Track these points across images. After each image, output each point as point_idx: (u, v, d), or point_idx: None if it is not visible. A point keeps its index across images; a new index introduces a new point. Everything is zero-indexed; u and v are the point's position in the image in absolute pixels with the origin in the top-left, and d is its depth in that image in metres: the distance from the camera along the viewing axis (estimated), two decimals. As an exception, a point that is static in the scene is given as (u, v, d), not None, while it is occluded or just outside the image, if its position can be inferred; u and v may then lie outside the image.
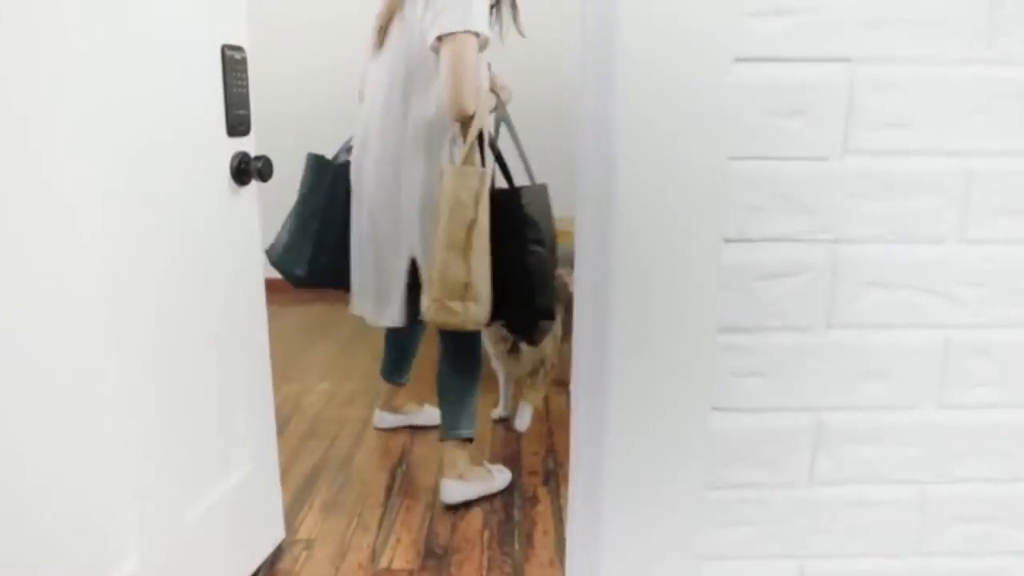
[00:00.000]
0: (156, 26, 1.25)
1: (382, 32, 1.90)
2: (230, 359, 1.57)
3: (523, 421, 2.33)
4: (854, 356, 0.82)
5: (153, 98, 1.25)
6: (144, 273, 1.25)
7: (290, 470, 2.29)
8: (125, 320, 1.20)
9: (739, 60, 0.74)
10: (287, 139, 4.05)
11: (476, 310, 1.72)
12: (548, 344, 2.23)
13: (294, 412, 2.73)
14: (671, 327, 0.79)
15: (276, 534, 1.85)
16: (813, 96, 0.76)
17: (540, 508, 2.10)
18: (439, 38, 1.73)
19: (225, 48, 1.44)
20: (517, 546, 1.90)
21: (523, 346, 2.22)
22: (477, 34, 1.74)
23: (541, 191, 1.90)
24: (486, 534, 1.96)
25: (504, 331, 2.17)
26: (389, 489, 2.19)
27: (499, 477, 2.17)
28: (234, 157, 1.50)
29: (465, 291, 1.70)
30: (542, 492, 2.19)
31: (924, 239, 0.79)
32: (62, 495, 1.08)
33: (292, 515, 2.03)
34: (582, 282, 0.86)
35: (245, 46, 1.51)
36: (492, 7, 1.91)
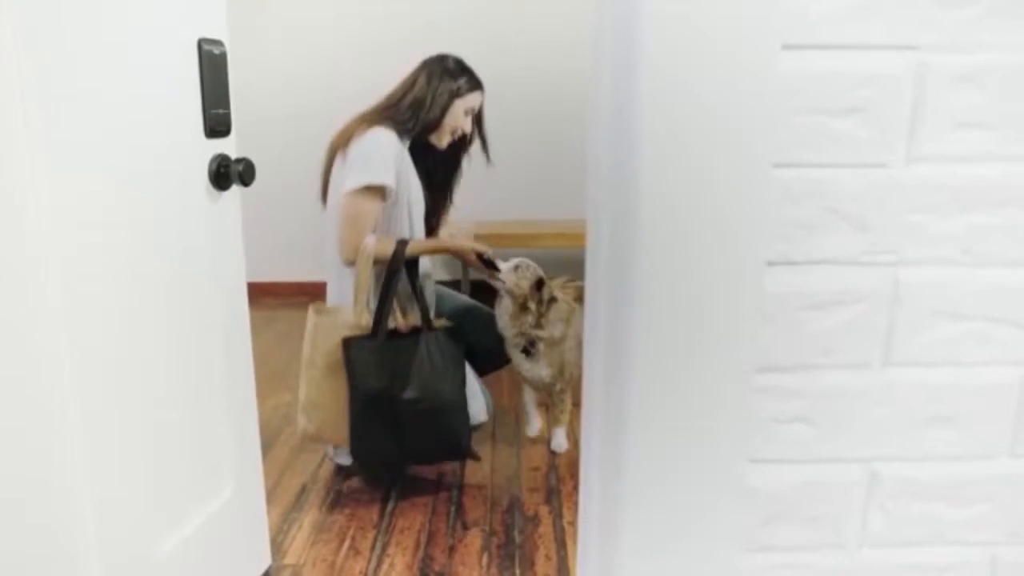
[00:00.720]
0: (128, 18, 1.14)
1: (323, 188, 2.15)
2: (210, 375, 1.45)
3: (558, 443, 2.40)
4: (916, 398, 0.70)
5: (123, 97, 1.14)
6: (109, 283, 1.13)
7: (278, 489, 2.17)
8: (87, 334, 1.09)
9: (786, 48, 0.61)
10: (273, 141, 4.01)
11: (304, 424, 2.03)
12: (570, 349, 2.27)
13: (285, 425, 2.61)
14: (701, 365, 0.66)
15: (262, 561, 1.73)
16: (873, 91, 0.63)
17: (542, 530, 1.98)
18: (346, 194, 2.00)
19: (202, 42, 1.32)
20: (518, 571, 1.78)
21: (538, 347, 2.24)
22: (382, 187, 1.99)
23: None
24: (485, 558, 1.84)
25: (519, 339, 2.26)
26: (383, 509, 2.07)
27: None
28: (213, 160, 1.37)
29: (302, 408, 2.02)
30: (543, 512, 2.07)
31: (1002, 262, 0.67)
32: (11, 531, 0.96)
33: (280, 538, 1.92)
34: (594, 309, 0.74)
35: (225, 40, 1.39)
36: (464, 148, 2.22)
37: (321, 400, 2.00)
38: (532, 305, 2.17)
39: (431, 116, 2.09)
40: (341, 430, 2.00)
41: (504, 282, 2.19)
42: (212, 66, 1.34)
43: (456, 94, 2.11)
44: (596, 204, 0.70)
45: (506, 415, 2.68)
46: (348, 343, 1.94)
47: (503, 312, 2.24)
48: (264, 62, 4.06)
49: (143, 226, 1.21)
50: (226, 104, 1.39)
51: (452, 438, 2.04)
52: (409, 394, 1.94)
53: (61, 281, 1.03)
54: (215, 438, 1.49)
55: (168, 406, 1.32)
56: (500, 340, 2.26)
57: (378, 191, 2.00)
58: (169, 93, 1.26)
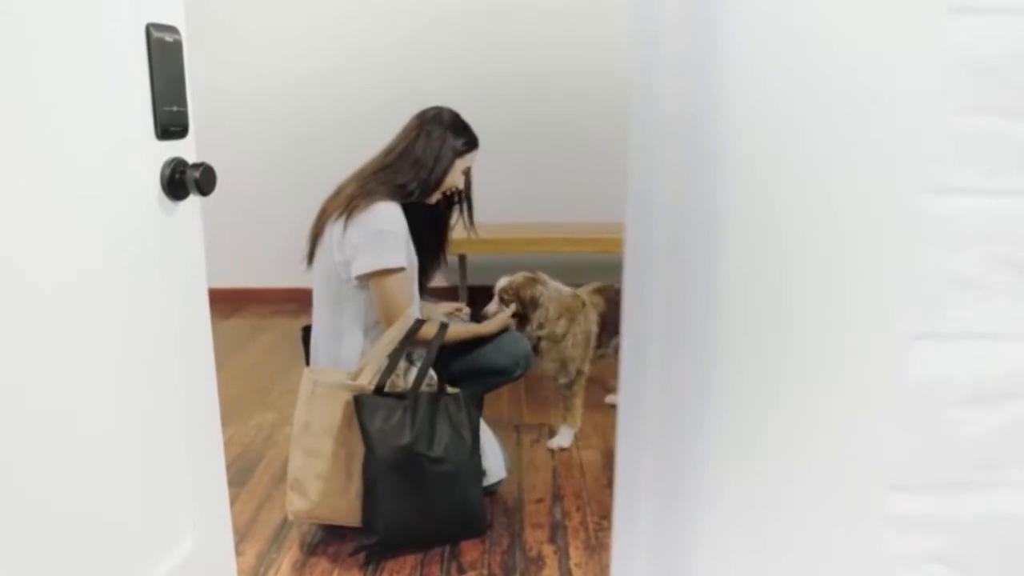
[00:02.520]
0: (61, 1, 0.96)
1: (311, 250, 2.05)
2: (163, 407, 1.25)
3: (559, 441, 2.41)
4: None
5: (53, 91, 0.96)
6: (34, 300, 0.95)
7: (255, 525, 1.96)
8: (7, 359, 0.92)
9: (954, 11, 0.39)
10: (261, 144, 3.82)
11: (296, 500, 1.85)
12: (572, 346, 2.36)
13: (266, 448, 2.40)
14: (812, 485, 0.44)
15: (228, 617, 1.51)
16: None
17: (546, 573, 1.77)
18: (358, 277, 1.93)
19: (152, 28, 1.10)
20: (520, 624, 1.58)
21: (542, 345, 2.34)
22: (401, 268, 1.94)
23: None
24: (483, 608, 1.63)
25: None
26: (369, 550, 1.85)
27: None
28: (166, 165, 1.16)
29: (293, 483, 1.86)
30: (548, 551, 1.87)
31: None
32: None
33: (254, 583, 1.71)
34: (640, 380, 0.52)
35: (180, 27, 1.17)
36: (455, 203, 2.13)
37: (319, 470, 1.82)
38: (527, 312, 2.33)
39: (433, 179, 2.01)
40: (344, 503, 1.81)
41: (512, 314, 2.31)
42: (164, 56, 1.13)
43: (458, 154, 2.04)
44: (645, 239, 0.48)
45: (506, 435, 2.47)
46: (361, 402, 1.80)
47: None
48: (253, 61, 3.87)
49: (79, 239, 1.02)
50: (182, 101, 1.18)
51: (467, 508, 1.91)
52: (436, 452, 1.81)
53: None
54: (171, 479, 1.28)
55: (110, 443, 1.12)
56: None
57: (396, 269, 1.96)
58: (110, 87, 1.05)
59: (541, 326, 2.33)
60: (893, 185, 0.41)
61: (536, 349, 2.34)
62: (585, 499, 2.10)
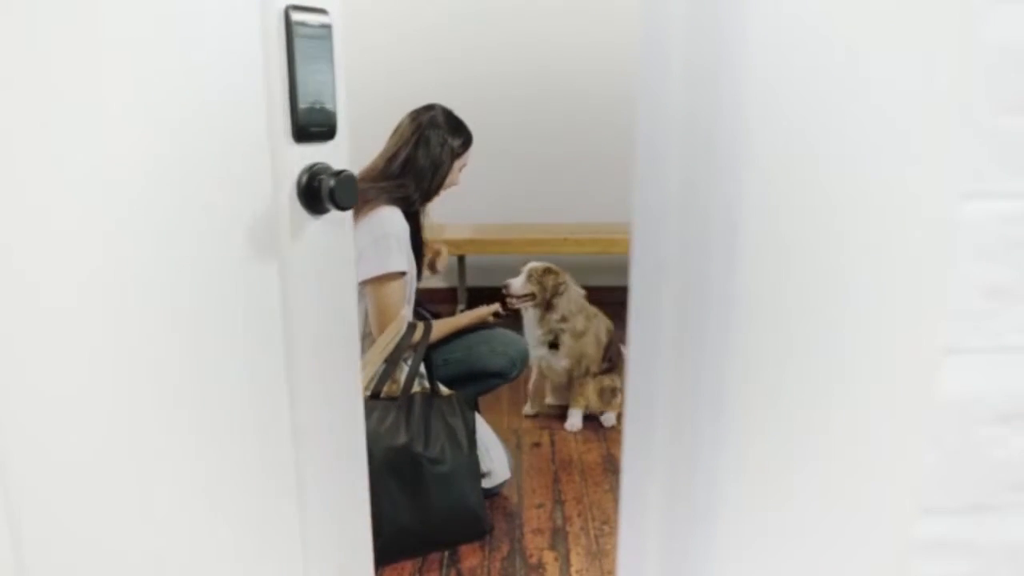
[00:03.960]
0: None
1: None
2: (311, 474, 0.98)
3: (573, 422, 2.48)
4: None
5: (172, 87, 0.76)
6: (138, 359, 0.74)
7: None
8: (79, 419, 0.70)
9: (989, 2, 0.36)
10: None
11: None
12: (589, 344, 2.44)
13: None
14: (835, 505, 0.42)
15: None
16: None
17: (547, 580, 1.74)
18: (360, 283, 1.91)
19: (292, 10, 0.88)
20: (520, 634, 1.55)
21: (563, 339, 2.41)
22: (402, 273, 1.93)
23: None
24: (482, 618, 1.61)
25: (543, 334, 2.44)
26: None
27: None
28: (304, 172, 0.91)
29: None
30: (548, 558, 1.84)
31: None
32: None
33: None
34: (649, 399, 0.49)
35: (333, 8, 0.94)
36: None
37: None
38: (553, 299, 2.37)
39: (434, 185, 2.01)
40: None
41: (527, 296, 2.37)
42: (306, 44, 0.90)
43: (456, 155, 2.03)
44: (654, 250, 0.45)
45: (506, 439, 2.44)
46: None
47: (529, 323, 2.45)
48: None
49: (189, 263, 0.78)
50: (328, 96, 0.95)
51: (467, 509, 1.88)
52: (432, 452, 1.79)
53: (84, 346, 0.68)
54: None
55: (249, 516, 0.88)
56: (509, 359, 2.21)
57: (397, 274, 1.95)
58: (232, 80, 0.83)
59: (564, 319, 2.38)
60: (921, 190, 0.38)
61: (555, 344, 2.42)
62: (586, 504, 2.07)
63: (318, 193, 0.90)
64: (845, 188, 0.38)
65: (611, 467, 2.28)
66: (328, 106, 0.95)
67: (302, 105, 0.90)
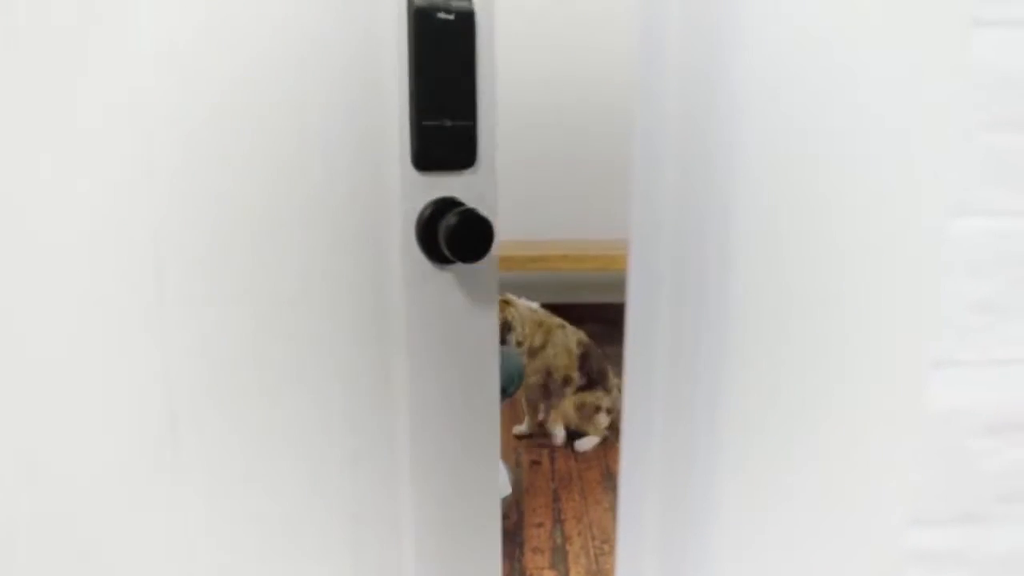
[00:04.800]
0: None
1: None
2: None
3: (557, 437, 2.47)
4: None
5: (251, 94, 0.60)
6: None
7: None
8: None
9: (980, 24, 0.38)
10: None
11: None
12: (553, 355, 2.45)
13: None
14: (829, 516, 0.42)
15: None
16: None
17: (547, 599, 1.73)
18: None
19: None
20: (519, 656, 1.54)
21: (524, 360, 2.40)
22: None
23: None
24: (480, 638, 1.59)
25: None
26: None
27: None
28: (427, 208, 0.69)
29: None
30: (549, 577, 1.83)
31: None
32: None
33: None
34: (648, 406, 0.50)
35: None
36: None
37: None
38: (504, 334, 2.42)
39: None
40: None
41: None
42: (438, 43, 0.68)
43: None
44: (650, 263, 0.46)
45: (505, 458, 2.44)
46: None
47: None
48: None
49: (275, 321, 0.64)
50: (467, 111, 0.70)
51: None
52: None
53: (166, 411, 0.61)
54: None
55: None
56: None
57: None
58: (333, 90, 0.64)
59: (519, 343, 2.44)
60: (912, 207, 0.39)
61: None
62: (586, 523, 2.07)
63: (436, 237, 0.68)
64: (838, 203, 0.39)
65: (611, 485, 2.28)
66: (465, 123, 0.71)
67: (427, 122, 0.69)
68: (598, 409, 2.44)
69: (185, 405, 0.62)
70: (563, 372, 2.45)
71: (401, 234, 0.68)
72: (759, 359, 0.42)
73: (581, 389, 2.47)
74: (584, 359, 2.46)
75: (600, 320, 2.55)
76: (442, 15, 0.67)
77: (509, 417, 2.70)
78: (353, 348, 0.67)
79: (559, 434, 2.49)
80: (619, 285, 0.51)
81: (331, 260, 0.66)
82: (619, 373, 2.47)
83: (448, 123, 0.70)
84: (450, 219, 0.67)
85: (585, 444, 2.44)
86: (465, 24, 0.68)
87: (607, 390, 2.48)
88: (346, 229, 0.66)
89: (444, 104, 0.69)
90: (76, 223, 0.56)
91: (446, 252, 0.67)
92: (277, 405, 0.65)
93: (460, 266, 0.70)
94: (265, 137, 0.60)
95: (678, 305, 0.44)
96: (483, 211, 0.65)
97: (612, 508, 2.14)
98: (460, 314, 0.71)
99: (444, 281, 0.70)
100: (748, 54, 0.38)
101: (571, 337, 2.47)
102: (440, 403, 0.71)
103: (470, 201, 0.69)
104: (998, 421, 0.43)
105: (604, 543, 1.97)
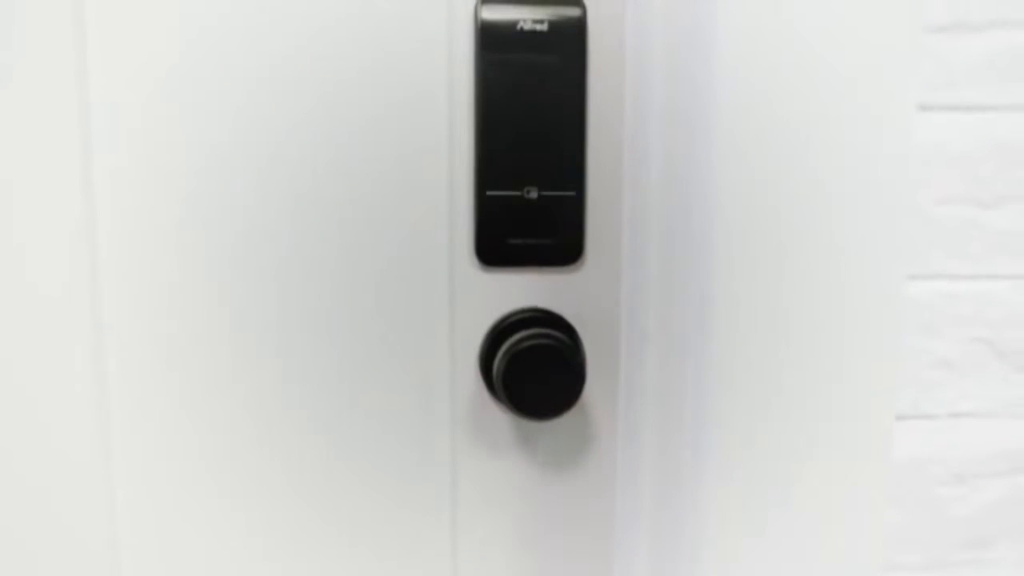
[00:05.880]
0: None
1: None
2: None
3: None
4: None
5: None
6: None
7: None
8: None
9: (923, 108, 0.42)
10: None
11: None
12: None
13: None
14: (803, 565, 0.45)
15: None
16: (1039, 171, 0.44)
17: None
18: None
19: (486, 1, 0.43)
20: None
21: None
22: None
23: None
24: None
25: None
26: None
27: None
28: (495, 327, 0.47)
29: None
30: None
31: None
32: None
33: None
34: (635, 452, 0.52)
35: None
36: None
37: None
38: None
39: None
40: None
41: None
42: (520, 66, 0.43)
43: None
44: (639, 319, 0.49)
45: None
46: None
47: None
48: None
49: None
50: (565, 174, 0.45)
51: None
52: None
53: None
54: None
55: None
56: None
57: None
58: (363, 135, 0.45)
59: None
60: (873, 271, 0.43)
61: None
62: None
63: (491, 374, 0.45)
64: (806, 271, 0.43)
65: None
66: (563, 193, 0.45)
67: (495, 191, 0.45)
68: None
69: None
70: None
71: (450, 363, 0.46)
72: (738, 414, 0.44)
73: None
74: None
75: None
76: (528, 26, 0.43)
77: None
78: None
79: None
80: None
81: (369, 410, 0.47)
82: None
83: (533, 193, 0.45)
84: (511, 350, 0.42)
85: None
86: (568, 44, 0.43)
87: None
88: (381, 359, 0.46)
89: (522, 164, 0.44)
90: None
91: (501, 398, 0.44)
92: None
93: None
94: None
95: (664, 361, 0.47)
96: (582, 339, 0.45)
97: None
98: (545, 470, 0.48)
99: (520, 428, 0.47)
100: (724, 137, 0.42)
101: None
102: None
103: (575, 313, 0.46)
104: (964, 469, 0.46)
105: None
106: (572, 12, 0.43)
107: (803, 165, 0.42)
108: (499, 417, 0.47)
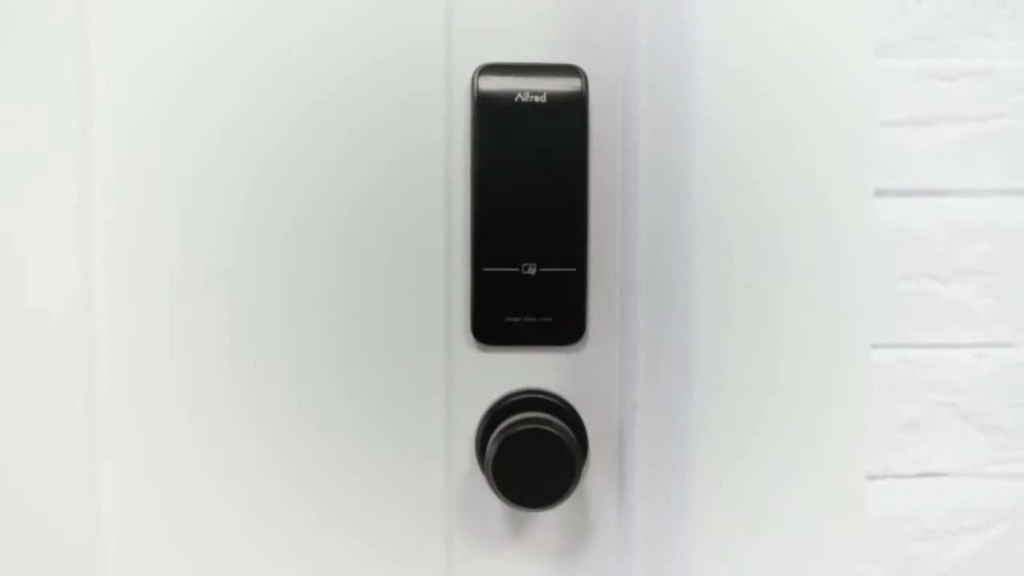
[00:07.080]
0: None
1: None
2: None
3: None
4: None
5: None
6: None
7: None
8: None
9: (880, 194, 0.46)
10: None
11: None
12: None
13: None
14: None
15: None
16: (992, 247, 0.48)
17: None
18: None
19: (484, 72, 0.44)
20: None
21: None
22: None
23: None
24: None
25: None
26: None
27: None
28: (492, 409, 0.46)
29: None
30: None
31: None
32: None
33: None
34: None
35: (594, 63, 0.45)
36: None
37: None
38: None
39: None
40: None
41: None
42: (513, 139, 0.43)
43: None
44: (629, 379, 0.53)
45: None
46: None
47: None
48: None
49: None
50: (563, 251, 0.45)
51: None
52: None
53: None
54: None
55: None
56: None
57: None
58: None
59: None
60: (839, 340, 0.46)
61: None
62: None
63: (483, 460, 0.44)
64: (781, 345, 0.47)
65: None
66: (562, 269, 0.45)
67: (491, 267, 0.44)
68: None
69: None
70: None
71: (445, 446, 0.45)
72: (720, 474, 0.48)
73: None
74: None
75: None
76: (526, 98, 0.42)
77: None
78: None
79: None
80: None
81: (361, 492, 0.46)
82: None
83: (532, 270, 0.44)
84: (502, 434, 0.40)
85: None
86: (570, 116, 0.42)
87: None
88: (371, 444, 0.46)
89: (523, 240, 0.43)
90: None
91: (491, 485, 0.42)
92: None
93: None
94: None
95: (652, 424, 0.50)
96: (584, 423, 0.44)
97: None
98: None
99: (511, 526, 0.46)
100: (702, 218, 0.46)
101: None
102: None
103: (572, 400, 0.46)
104: (937, 526, 0.49)
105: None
106: (572, 84, 0.42)
107: (780, 255, 0.46)
108: (496, 504, 0.45)
